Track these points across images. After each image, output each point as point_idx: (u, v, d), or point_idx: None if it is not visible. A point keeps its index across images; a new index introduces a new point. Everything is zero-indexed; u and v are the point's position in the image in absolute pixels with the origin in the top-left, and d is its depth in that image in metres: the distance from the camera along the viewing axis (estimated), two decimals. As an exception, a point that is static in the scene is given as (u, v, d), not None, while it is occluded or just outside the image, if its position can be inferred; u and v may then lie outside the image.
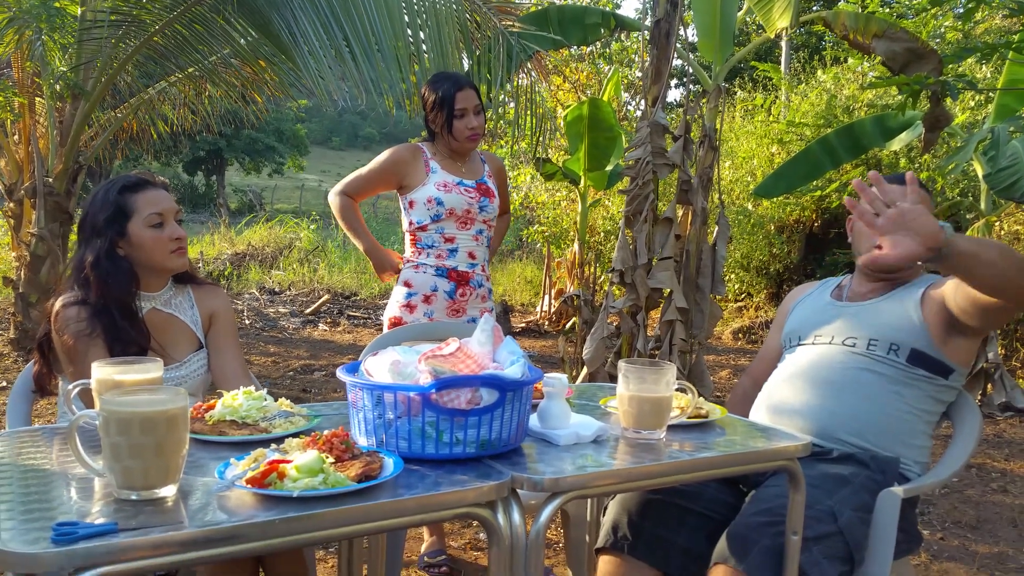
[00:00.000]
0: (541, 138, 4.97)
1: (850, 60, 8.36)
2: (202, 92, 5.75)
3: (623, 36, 9.01)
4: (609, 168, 5.93)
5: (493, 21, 4.28)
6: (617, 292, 3.78)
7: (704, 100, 3.88)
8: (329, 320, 7.84)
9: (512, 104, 4.89)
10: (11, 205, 5.27)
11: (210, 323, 1.92)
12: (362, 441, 1.30)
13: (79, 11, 4.81)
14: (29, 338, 5.06)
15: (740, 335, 7.75)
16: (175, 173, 28.86)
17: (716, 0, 3.73)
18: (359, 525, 1.09)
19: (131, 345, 1.69)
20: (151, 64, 5.12)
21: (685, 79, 4.07)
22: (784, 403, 1.86)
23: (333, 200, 2.63)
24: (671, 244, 3.59)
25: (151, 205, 1.76)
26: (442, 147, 2.57)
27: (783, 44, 11.51)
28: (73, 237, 5.24)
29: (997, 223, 5.81)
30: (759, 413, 1.91)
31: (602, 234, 8.90)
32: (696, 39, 3.92)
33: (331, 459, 1.12)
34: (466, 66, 4.43)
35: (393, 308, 2.56)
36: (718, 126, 3.79)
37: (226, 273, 9.83)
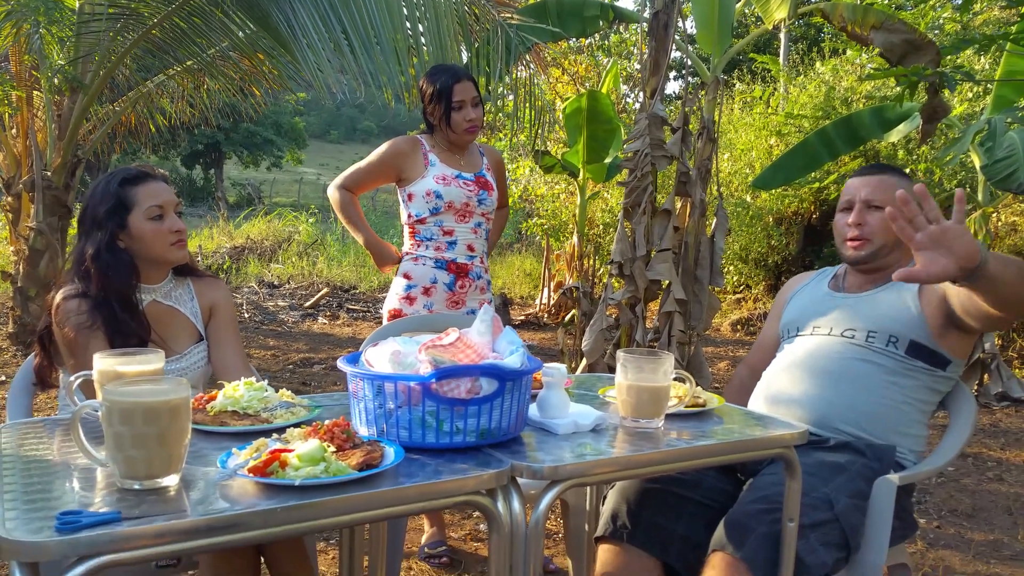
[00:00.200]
0: (540, 131, 4.97)
1: (848, 52, 8.35)
2: (200, 85, 5.75)
3: (622, 28, 9.00)
4: (608, 160, 5.94)
5: (492, 13, 4.27)
6: (616, 284, 3.79)
7: (703, 92, 3.88)
8: (328, 313, 7.85)
9: (511, 96, 4.89)
10: (9, 199, 5.27)
11: (210, 315, 1.93)
12: (363, 431, 1.31)
13: (77, 4, 4.80)
14: (28, 332, 5.06)
15: (739, 327, 7.76)
16: (173, 167, 28.82)
17: (714, -9, 3.73)
18: (360, 513, 1.10)
19: (131, 337, 1.70)
20: (149, 57, 5.11)
21: (684, 71, 4.06)
22: (782, 392, 1.88)
23: (332, 194, 2.63)
24: (670, 236, 3.60)
25: (151, 197, 1.76)
26: (441, 140, 2.58)
27: (782, 36, 11.49)
28: (72, 231, 5.25)
29: (994, 214, 5.82)
30: (757, 402, 1.92)
31: (601, 226, 8.90)
32: (694, 31, 3.92)
33: (332, 448, 1.13)
34: (465, 59, 4.43)
35: (393, 300, 2.57)
36: (716, 118, 3.79)
37: (225, 267, 9.84)
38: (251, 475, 1.06)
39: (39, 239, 4.99)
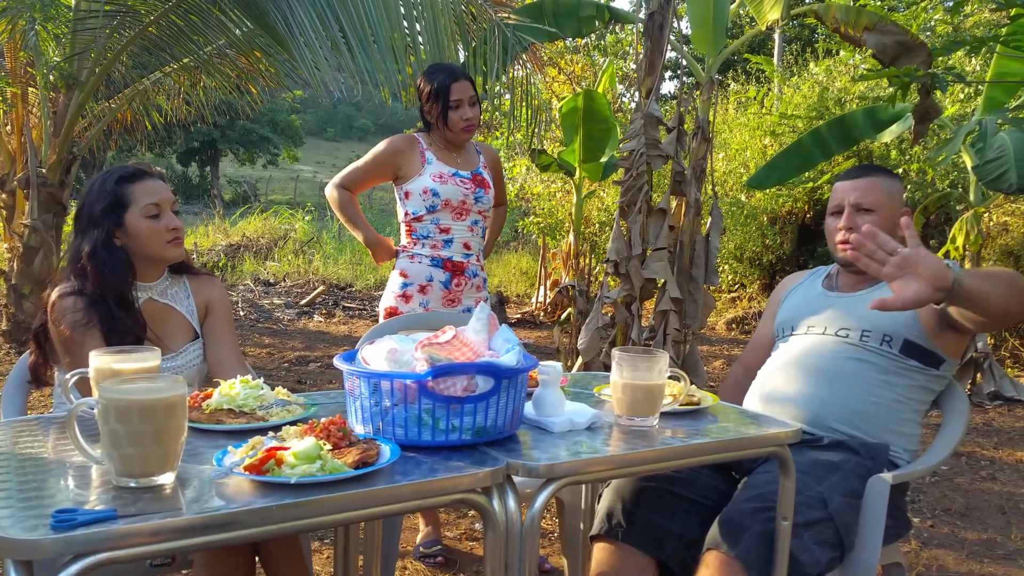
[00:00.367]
0: (536, 129, 4.98)
1: (842, 53, 8.38)
2: (197, 83, 5.74)
3: (617, 28, 9.01)
4: (604, 159, 5.95)
5: (489, 13, 4.28)
6: (612, 283, 3.80)
7: (697, 92, 3.89)
8: (324, 311, 7.84)
9: (508, 96, 4.89)
10: (4, 196, 5.25)
11: (206, 313, 1.93)
12: (359, 429, 1.32)
13: (73, 1, 4.79)
14: (22, 330, 5.05)
15: (734, 325, 7.78)
16: (169, 164, 28.73)
17: (710, -8, 3.74)
18: (356, 511, 1.10)
19: (127, 335, 1.70)
20: (146, 54, 5.10)
21: (679, 71, 4.08)
22: (776, 391, 1.88)
23: (330, 193, 2.63)
24: (665, 235, 3.61)
25: (148, 195, 1.76)
26: (438, 138, 2.58)
27: (776, 37, 11.52)
28: (67, 228, 5.24)
29: (986, 214, 5.85)
30: (752, 401, 1.93)
31: (597, 225, 8.92)
32: (689, 32, 3.94)
33: (328, 446, 1.14)
34: (462, 58, 4.43)
35: (389, 298, 2.58)
36: (711, 118, 3.80)
37: (220, 264, 9.82)
38: (247, 473, 1.06)
39: (33, 236, 4.98)
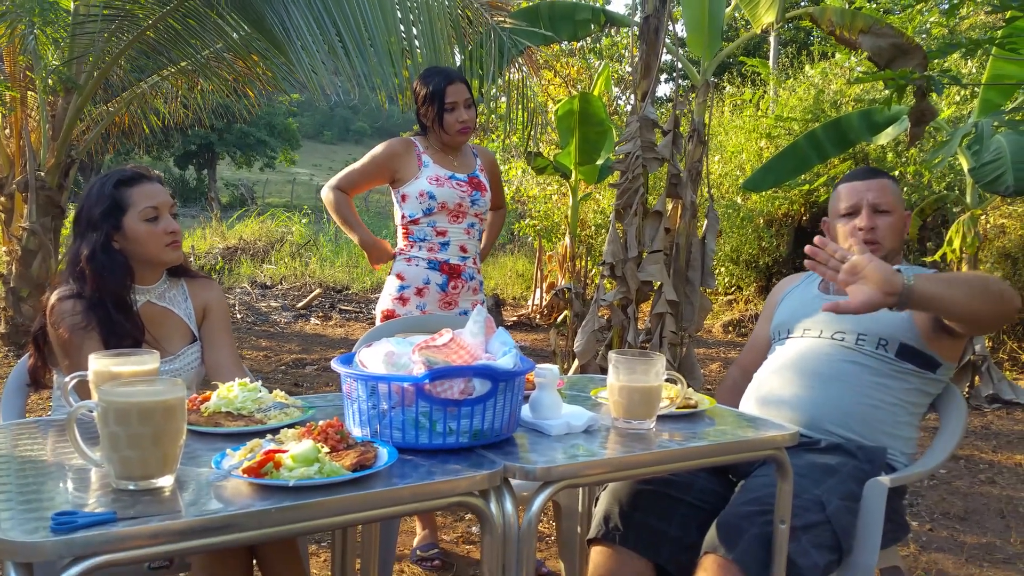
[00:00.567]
0: (532, 132, 4.99)
1: (837, 55, 8.41)
2: (194, 86, 5.75)
3: (613, 32, 9.03)
4: (599, 162, 5.96)
5: (485, 17, 4.29)
6: (608, 285, 3.81)
7: (693, 95, 3.90)
8: (321, 314, 7.84)
9: (504, 99, 4.90)
10: (2, 199, 5.25)
11: (204, 316, 1.93)
12: (356, 431, 1.32)
13: (72, 5, 4.80)
14: (20, 332, 5.05)
15: (730, 328, 7.79)
16: (166, 167, 28.73)
17: (705, -4, 3.75)
18: (354, 514, 1.11)
19: (126, 338, 1.71)
20: (144, 58, 5.11)
21: (674, 74, 4.09)
22: (773, 394, 1.89)
23: (327, 195, 2.64)
24: (661, 237, 3.62)
25: (146, 199, 1.77)
26: (434, 141, 2.59)
27: (771, 39, 11.55)
28: (65, 231, 5.24)
29: (983, 216, 5.86)
30: (748, 404, 1.93)
31: (593, 227, 8.93)
32: (685, 34, 3.95)
33: (326, 449, 1.14)
34: (458, 61, 4.44)
35: (386, 301, 2.58)
36: (707, 120, 3.81)
37: (217, 267, 9.82)
38: (245, 476, 1.07)
39: (32, 239, 4.98)
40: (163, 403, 1.07)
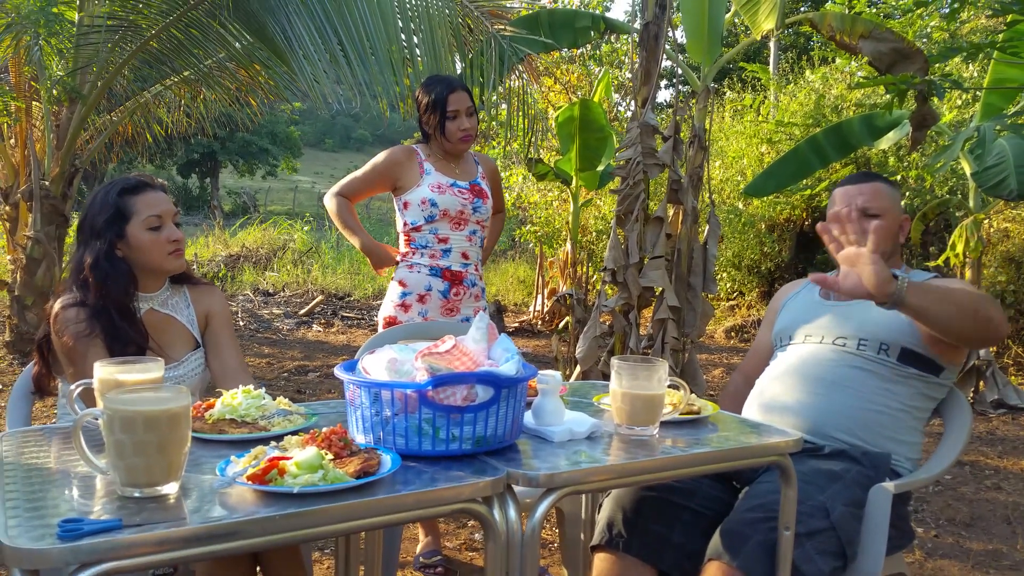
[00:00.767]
0: (533, 139, 5.00)
1: (838, 60, 8.42)
2: (197, 95, 5.78)
3: (613, 38, 9.05)
4: (600, 168, 5.96)
5: (485, 25, 4.31)
6: (609, 291, 3.81)
7: (693, 100, 3.91)
8: (323, 321, 7.85)
9: (504, 106, 4.92)
10: (7, 208, 5.28)
11: (206, 322, 1.94)
12: (360, 438, 1.32)
13: (76, 16, 4.83)
14: (25, 341, 5.06)
15: (732, 334, 7.78)
16: (169, 176, 28.78)
17: (704, 2, 3.76)
18: (358, 521, 1.11)
19: (130, 345, 1.71)
20: (147, 68, 5.14)
21: (674, 80, 4.10)
22: (776, 400, 1.88)
23: (329, 202, 2.65)
24: (662, 243, 3.62)
25: (150, 207, 1.78)
26: (436, 149, 2.60)
27: (771, 45, 11.57)
28: (69, 240, 5.26)
29: (986, 220, 5.86)
30: (751, 410, 1.93)
31: (594, 233, 8.93)
32: (685, 40, 3.96)
33: (330, 456, 1.15)
34: (459, 69, 4.46)
35: (388, 308, 2.59)
36: (707, 126, 3.82)
37: (220, 275, 9.83)
38: (250, 483, 1.07)
39: (36, 248, 5.00)
40: (168, 411, 1.07)
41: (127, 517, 0.99)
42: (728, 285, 8.65)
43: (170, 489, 1.08)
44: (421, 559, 2.61)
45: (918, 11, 6.39)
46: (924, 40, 7.20)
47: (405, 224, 2.58)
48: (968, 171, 4.89)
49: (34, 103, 5.22)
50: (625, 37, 8.16)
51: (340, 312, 8.40)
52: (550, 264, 8.31)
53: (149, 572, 1.61)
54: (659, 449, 1.40)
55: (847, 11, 5.87)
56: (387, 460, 1.20)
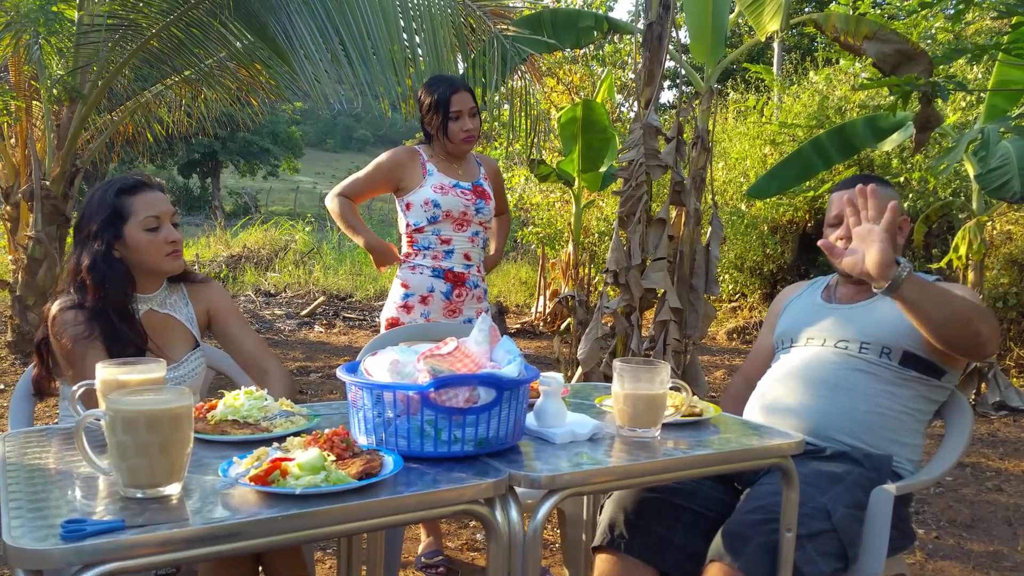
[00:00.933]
0: (535, 140, 5.00)
1: (842, 61, 8.41)
2: (198, 95, 5.78)
3: (616, 38, 9.05)
4: (603, 169, 5.96)
5: (488, 25, 4.31)
6: (611, 293, 3.81)
7: (696, 102, 3.90)
8: (324, 322, 7.85)
9: (507, 106, 4.92)
10: (8, 208, 5.29)
11: (208, 319, 1.93)
12: (362, 440, 1.33)
13: (76, 15, 4.83)
14: (26, 341, 5.07)
15: (735, 335, 7.78)
16: (170, 176, 28.81)
17: (708, 3, 3.76)
18: (360, 522, 1.12)
19: (129, 346, 1.70)
20: (147, 67, 5.14)
21: (678, 81, 4.10)
22: (777, 402, 1.88)
23: (331, 202, 2.64)
24: (665, 245, 3.61)
25: (148, 208, 1.76)
26: (439, 149, 2.60)
27: (775, 46, 11.57)
28: (70, 240, 5.26)
29: (989, 223, 5.85)
30: (753, 412, 1.93)
31: (596, 235, 8.93)
32: (688, 41, 3.95)
33: (332, 457, 1.15)
34: (461, 69, 4.46)
35: (390, 309, 2.59)
36: (711, 127, 3.82)
37: (222, 275, 9.85)
38: (252, 484, 1.07)
39: (37, 248, 5.00)
40: (170, 412, 1.07)
41: (130, 518, 0.99)
42: (730, 287, 8.64)
43: (172, 490, 1.08)
44: (423, 559, 2.61)
45: (923, 12, 6.39)
46: (928, 41, 7.19)
47: (408, 225, 2.58)
48: (972, 173, 4.88)
49: (34, 102, 5.23)
50: (628, 37, 8.16)
51: (342, 313, 8.40)
52: (552, 265, 8.31)
53: (152, 573, 1.61)
54: (661, 451, 1.40)
55: (851, 12, 5.86)
56: (389, 461, 1.19)
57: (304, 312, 8.17)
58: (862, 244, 1.62)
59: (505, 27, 4.35)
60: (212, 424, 1.39)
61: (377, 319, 6.55)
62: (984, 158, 3.94)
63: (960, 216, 6.07)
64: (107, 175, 11.10)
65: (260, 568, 1.66)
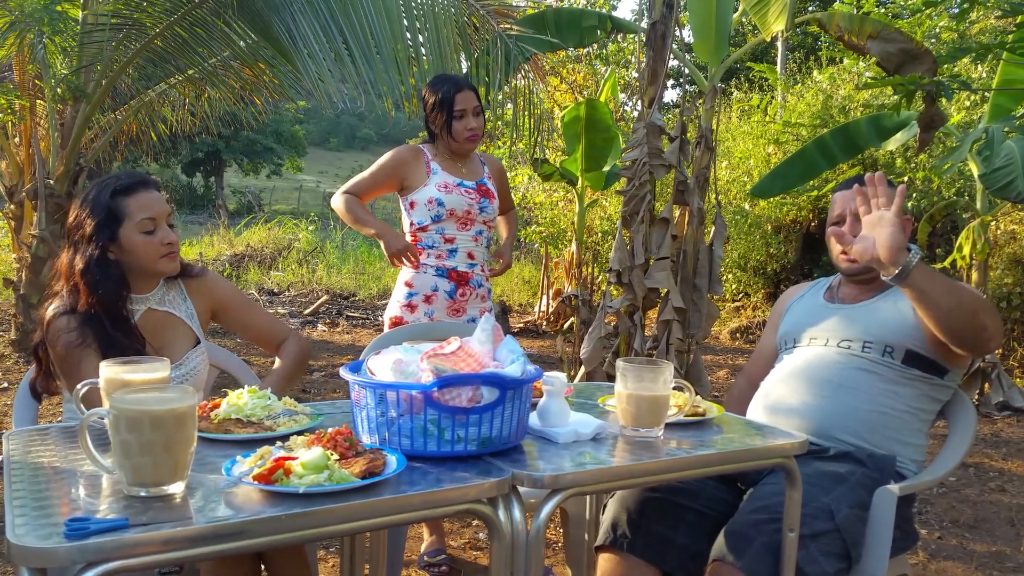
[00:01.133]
0: (539, 139, 5.00)
1: (846, 60, 8.39)
2: (201, 94, 5.79)
3: (619, 37, 9.04)
4: (606, 169, 5.96)
5: (491, 24, 4.31)
6: (614, 292, 3.80)
7: (700, 101, 3.90)
8: (328, 321, 7.86)
9: (510, 105, 4.92)
10: (12, 207, 5.30)
11: (212, 313, 1.91)
12: (365, 439, 1.33)
13: (80, 14, 4.84)
14: (30, 339, 5.08)
15: (738, 335, 7.77)
16: (174, 174, 28.87)
17: (712, 2, 3.75)
18: (363, 521, 1.12)
19: (127, 351, 1.65)
20: (151, 67, 5.15)
21: (681, 80, 4.09)
22: (781, 402, 1.88)
23: (337, 201, 2.64)
24: (668, 244, 3.61)
25: (143, 210, 1.71)
26: (442, 148, 2.60)
27: (779, 45, 11.54)
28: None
29: (993, 222, 5.83)
30: (756, 412, 1.92)
31: (599, 234, 8.92)
32: (692, 40, 3.95)
33: (335, 456, 1.15)
34: (464, 68, 4.46)
35: (394, 308, 2.59)
36: (714, 127, 3.81)
37: (225, 274, 9.86)
38: (256, 483, 1.08)
39: (41, 247, 5.02)
40: (174, 411, 1.08)
41: (133, 516, 0.99)
42: (734, 286, 8.63)
43: (176, 489, 1.09)
44: (425, 558, 2.61)
45: (927, 11, 6.37)
46: (933, 40, 7.17)
47: (411, 224, 2.58)
48: (976, 173, 4.87)
49: (38, 102, 5.23)
50: (632, 36, 8.15)
51: (345, 312, 8.41)
52: (555, 265, 8.30)
53: (155, 571, 1.61)
54: (664, 451, 1.40)
55: (855, 11, 5.84)
56: (392, 461, 1.20)
57: (307, 311, 8.18)
58: (872, 231, 1.62)
59: (508, 26, 4.35)
60: (216, 423, 1.40)
61: (380, 318, 6.55)
62: (988, 158, 3.93)
63: (964, 216, 6.05)
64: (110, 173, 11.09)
65: (262, 566, 1.66)
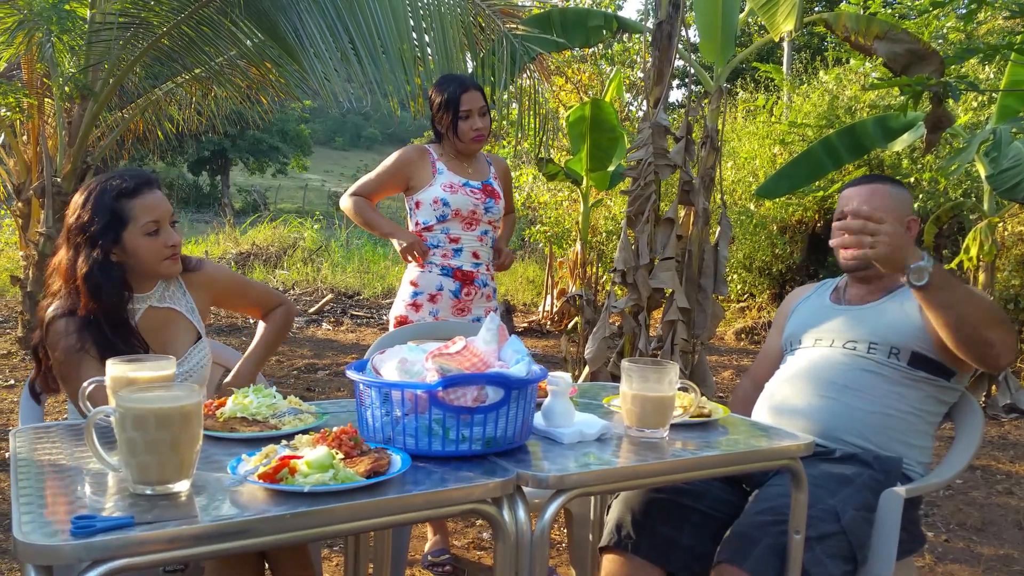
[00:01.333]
0: (544, 139, 5.00)
1: (852, 61, 8.36)
2: (208, 93, 5.80)
3: (625, 37, 9.03)
4: (611, 168, 5.95)
5: (497, 24, 4.31)
6: (619, 292, 3.80)
7: (706, 101, 3.89)
8: (332, 320, 7.87)
9: (515, 105, 4.92)
10: (19, 204, 5.32)
11: (211, 301, 1.92)
12: (370, 438, 1.33)
13: (88, 13, 4.86)
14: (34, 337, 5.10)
15: (743, 335, 7.76)
16: (180, 173, 28.95)
17: (718, 2, 3.74)
18: (368, 520, 1.12)
19: (127, 354, 1.67)
20: (158, 65, 5.16)
21: (687, 80, 4.08)
22: (786, 403, 1.88)
23: (346, 203, 2.64)
24: (673, 244, 3.60)
25: (147, 213, 1.69)
26: (448, 148, 2.60)
27: (785, 45, 11.51)
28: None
29: (1000, 224, 5.81)
30: (761, 413, 1.92)
31: (604, 234, 8.91)
32: (698, 40, 3.94)
33: (340, 455, 1.15)
34: (470, 68, 4.46)
35: (399, 307, 2.59)
36: (720, 127, 3.80)
37: (231, 273, 9.88)
38: (261, 481, 1.08)
39: (49, 244, 5.03)
40: (180, 409, 1.08)
41: (139, 514, 1.00)
42: (739, 287, 8.61)
43: (181, 487, 1.09)
44: (429, 557, 2.61)
45: (934, 12, 6.35)
46: (940, 41, 7.14)
47: (417, 224, 2.59)
48: (983, 174, 4.85)
49: (46, 100, 5.26)
50: (637, 36, 8.14)
51: (349, 311, 8.42)
52: (560, 264, 8.30)
53: (160, 569, 1.61)
54: (669, 452, 1.40)
55: (862, 11, 5.82)
56: (397, 460, 1.20)
57: (312, 309, 8.19)
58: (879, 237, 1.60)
59: (514, 26, 4.35)
60: (221, 421, 1.40)
61: (384, 317, 6.55)
62: (996, 159, 3.91)
63: (971, 217, 6.03)
64: (117, 172, 11.12)
65: (267, 565, 1.66)
